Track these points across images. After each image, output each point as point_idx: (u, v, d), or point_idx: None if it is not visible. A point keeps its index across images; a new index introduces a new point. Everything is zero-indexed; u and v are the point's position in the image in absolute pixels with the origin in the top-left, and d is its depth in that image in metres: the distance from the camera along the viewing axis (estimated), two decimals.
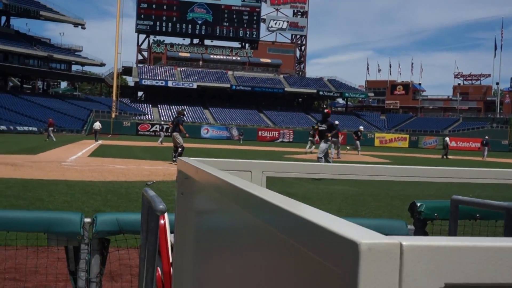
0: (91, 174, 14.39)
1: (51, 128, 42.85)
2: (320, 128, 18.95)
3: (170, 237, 2.65)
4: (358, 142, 37.52)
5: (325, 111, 19.48)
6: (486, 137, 50.46)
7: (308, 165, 2.30)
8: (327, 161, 19.01)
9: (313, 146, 33.69)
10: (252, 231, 0.93)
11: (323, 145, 18.37)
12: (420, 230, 3.29)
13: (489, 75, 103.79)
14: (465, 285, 0.49)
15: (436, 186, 13.56)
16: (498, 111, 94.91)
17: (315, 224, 0.58)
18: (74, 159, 20.59)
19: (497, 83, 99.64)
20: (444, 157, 41.91)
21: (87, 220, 3.03)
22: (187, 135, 20.11)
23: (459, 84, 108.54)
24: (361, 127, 40.57)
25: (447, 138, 46.16)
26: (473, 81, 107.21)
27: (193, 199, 1.79)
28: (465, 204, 2.94)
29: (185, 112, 22.25)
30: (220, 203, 1.33)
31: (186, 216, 1.90)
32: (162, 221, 2.67)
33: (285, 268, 0.73)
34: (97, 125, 46.09)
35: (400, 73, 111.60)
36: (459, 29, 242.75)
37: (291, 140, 74.38)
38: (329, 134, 18.57)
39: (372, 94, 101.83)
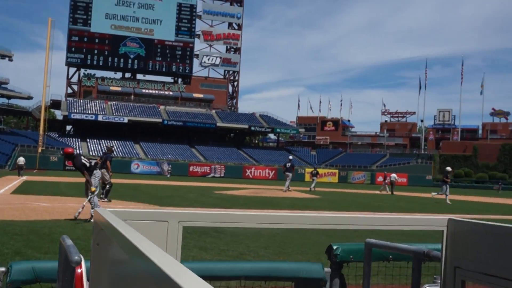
0: (13, 213, 13.87)
1: None
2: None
3: (86, 285, 2.63)
4: (447, 186, 30.05)
5: (66, 151, 14.45)
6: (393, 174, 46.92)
7: (224, 215, 2.36)
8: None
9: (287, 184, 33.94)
10: (142, 280, 1.02)
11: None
12: (336, 272, 3.40)
13: (414, 113, 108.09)
14: None
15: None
16: (422, 147, 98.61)
17: (168, 276, 0.77)
18: None
19: (422, 120, 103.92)
20: (391, 193, 41.57)
21: (1, 269, 2.96)
22: (111, 173, 19.72)
23: (386, 121, 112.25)
24: (449, 168, 32.94)
25: (394, 174, 45.35)
26: (399, 118, 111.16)
27: (107, 250, 1.81)
28: (377, 247, 3.07)
29: (114, 148, 21.74)
30: (123, 254, 1.39)
31: (101, 267, 1.91)
32: (79, 270, 2.65)
33: None
34: (21, 160, 44.61)
35: (330, 109, 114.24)
36: (386, 68, 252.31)
37: (222, 175, 74.30)
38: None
39: (303, 130, 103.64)
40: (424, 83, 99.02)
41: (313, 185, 40.17)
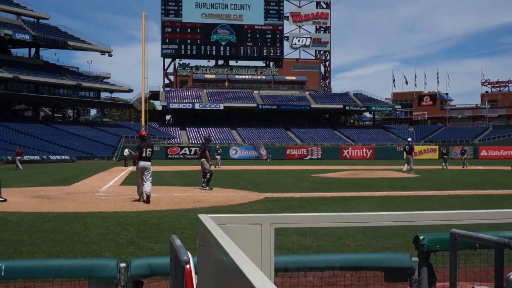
0: (124, 204, 14.85)
1: (18, 157, 41.56)
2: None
3: (195, 279, 3.00)
4: None
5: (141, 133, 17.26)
6: (465, 147, 50.00)
7: (311, 216, 2.64)
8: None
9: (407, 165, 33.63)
10: (232, 277, 1.38)
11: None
12: (424, 261, 3.59)
13: None
14: None
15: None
16: None
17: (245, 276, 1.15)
18: (107, 189, 21.14)
19: None
20: None
21: (123, 265, 3.41)
22: (210, 163, 20.72)
23: (487, 91, 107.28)
24: None
25: None
26: (501, 88, 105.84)
27: (209, 251, 2.13)
28: (461, 237, 3.24)
29: (212, 138, 23.15)
30: (219, 255, 1.71)
31: (206, 264, 2.24)
32: (187, 266, 3.03)
33: None
34: (126, 151, 47.12)
35: (426, 83, 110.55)
36: (484, 35, 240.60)
37: (319, 157, 74.43)
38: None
39: (399, 106, 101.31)
40: None
41: (445, 163, 41.62)
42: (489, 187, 21.31)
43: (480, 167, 43.47)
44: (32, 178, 28.47)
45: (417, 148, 77.29)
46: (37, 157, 59.93)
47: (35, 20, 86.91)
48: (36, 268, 3.37)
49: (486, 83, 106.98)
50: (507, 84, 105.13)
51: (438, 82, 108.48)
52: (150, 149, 15.94)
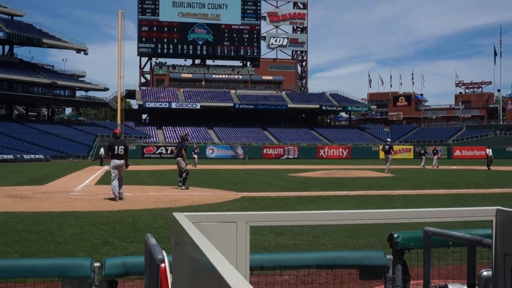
0: (99, 203, 14.72)
1: None
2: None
3: (170, 278, 2.99)
4: None
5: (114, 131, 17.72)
6: (438, 148, 51.24)
7: (286, 214, 2.64)
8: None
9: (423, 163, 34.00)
10: (207, 275, 1.36)
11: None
12: (398, 259, 3.62)
13: (490, 83, 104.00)
14: None
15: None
16: (501, 118, 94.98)
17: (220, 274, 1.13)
18: (82, 188, 20.92)
19: (499, 90, 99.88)
20: (488, 168, 38.15)
21: (97, 264, 3.37)
22: (186, 162, 20.61)
23: (460, 92, 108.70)
24: None
25: (489, 150, 40.78)
26: (475, 89, 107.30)
27: (184, 249, 2.11)
28: (435, 235, 3.27)
29: (188, 137, 23.18)
30: (194, 254, 1.70)
31: (181, 263, 2.22)
32: (162, 265, 3.01)
33: None
34: (102, 151, 46.74)
35: (401, 84, 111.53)
36: (458, 37, 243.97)
37: (296, 156, 74.66)
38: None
39: (375, 107, 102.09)
40: (499, 50, 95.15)
41: (423, 163, 42.05)
42: (463, 186, 21.59)
43: (454, 167, 44.06)
44: (5, 178, 28.07)
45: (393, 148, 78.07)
46: (10, 156, 59.09)
47: (9, 17, 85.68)
48: (7, 268, 3.32)
49: (460, 84, 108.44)
50: (480, 86, 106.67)
51: (413, 83, 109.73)
52: (122, 147, 16.03)
